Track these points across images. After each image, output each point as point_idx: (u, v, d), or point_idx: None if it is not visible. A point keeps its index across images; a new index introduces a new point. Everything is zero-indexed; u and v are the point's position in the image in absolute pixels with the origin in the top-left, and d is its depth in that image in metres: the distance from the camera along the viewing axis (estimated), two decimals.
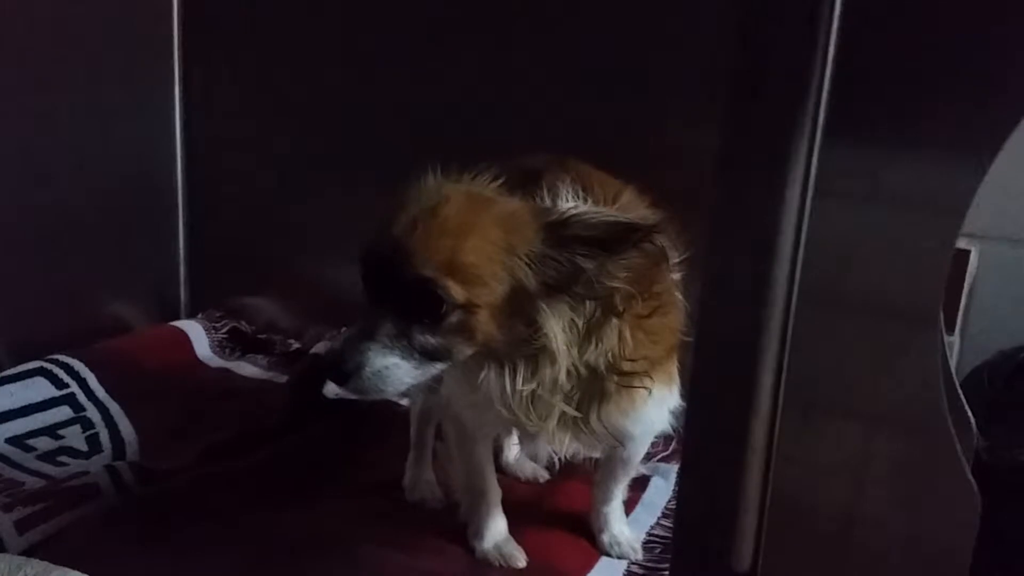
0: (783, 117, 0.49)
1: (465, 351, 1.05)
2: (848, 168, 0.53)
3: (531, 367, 1.05)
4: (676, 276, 1.13)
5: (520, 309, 1.03)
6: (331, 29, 1.90)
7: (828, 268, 0.53)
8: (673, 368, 1.17)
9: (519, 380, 1.06)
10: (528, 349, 1.04)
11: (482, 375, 1.07)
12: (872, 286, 0.54)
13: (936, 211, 0.54)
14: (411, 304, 1.01)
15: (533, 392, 1.06)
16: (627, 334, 1.06)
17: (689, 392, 0.52)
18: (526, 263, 1.02)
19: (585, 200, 1.09)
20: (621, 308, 1.04)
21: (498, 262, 1.01)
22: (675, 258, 1.11)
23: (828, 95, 0.50)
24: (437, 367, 1.05)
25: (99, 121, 1.89)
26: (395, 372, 1.02)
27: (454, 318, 1.01)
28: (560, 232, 1.02)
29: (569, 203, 1.08)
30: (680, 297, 1.14)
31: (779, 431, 0.49)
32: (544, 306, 1.03)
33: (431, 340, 1.02)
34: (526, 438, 1.25)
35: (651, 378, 1.09)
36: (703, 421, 0.51)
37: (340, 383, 1.03)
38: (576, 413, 1.09)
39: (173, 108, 2.04)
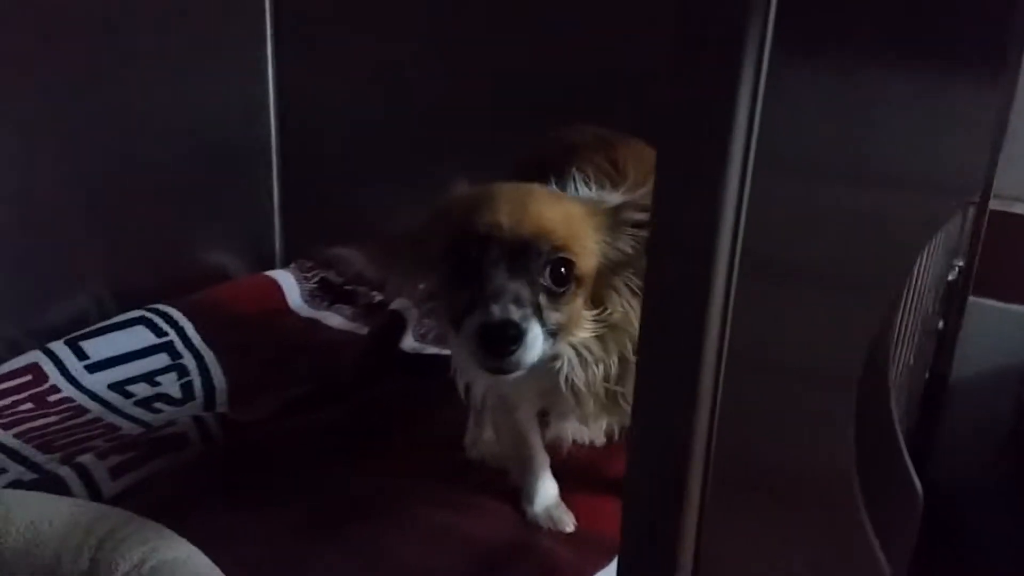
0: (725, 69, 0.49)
1: (570, 331, 1.11)
2: (793, 128, 0.53)
3: (601, 345, 1.12)
4: None
5: (595, 288, 1.11)
6: None
7: (773, 235, 0.54)
8: None
9: (593, 359, 1.12)
10: (598, 328, 1.12)
11: (559, 362, 1.13)
12: (820, 252, 0.56)
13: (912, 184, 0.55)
14: (538, 279, 1.07)
15: (606, 372, 1.13)
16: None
17: (639, 351, 0.56)
18: (602, 243, 1.10)
19: (614, 182, 1.17)
20: None
21: (591, 240, 1.10)
22: None
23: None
24: (549, 346, 1.10)
25: (192, 73, 1.96)
26: (538, 344, 1.06)
27: (572, 292, 1.08)
28: (617, 217, 1.11)
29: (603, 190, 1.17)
30: None
31: (725, 387, 0.52)
32: (615, 282, 1.11)
33: (554, 315, 1.08)
34: (556, 419, 1.29)
35: None
36: (652, 377, 0.54)
37: (507, 352, 1.04)
38: (620, 388, 1.15)
39: (266, 59, 2.10)
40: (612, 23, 1.72)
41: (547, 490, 1.36)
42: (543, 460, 1.36)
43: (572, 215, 1.10)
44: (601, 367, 1.13)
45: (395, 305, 1.89)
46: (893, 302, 0.60)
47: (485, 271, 1.06)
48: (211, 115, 2.03)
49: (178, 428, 1.50)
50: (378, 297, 2.03)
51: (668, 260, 0.54)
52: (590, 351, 1.13)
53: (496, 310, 1.03)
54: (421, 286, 1.24)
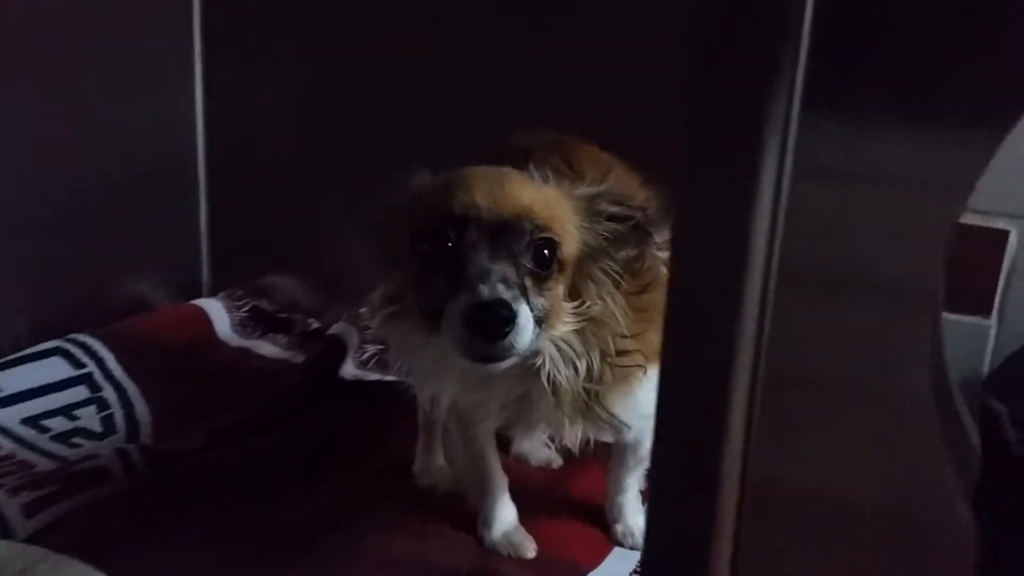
0: (756, 82, 0.45)
1: (551, 323, 1.03)
2: (830, 137, 0.48)
3: (581, 340, 1.06)
4: (663, 254, 1.11)
5: (573, 278, 1.05)
6: (359, 7, 1.86)
7: (808, 243, 0.49)
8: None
9: (574, 354, 1.05)
10: (578, 321, 1.05)
11: (539, 359, 1.05)
12: (855, 263, 0.50)
13: (934, 185, 0.50)
14: (522, 261, 1.00)
15: (588, 369, 1.06)
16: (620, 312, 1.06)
17: (661, 370, 0.49)
18: (581, 228, 1.05)
19: (572, 182, 1.10)
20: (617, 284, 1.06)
21: (571, 224, 1.04)
22: (663, 236, 1.09)
23: (807, 60, 0.45)
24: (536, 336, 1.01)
25: (118, 99, 1.86)
26: (529, 328, 0.98)
27: (555, 277, 1.02)
28: (592, 205, 1.06)
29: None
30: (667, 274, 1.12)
31: (759, 410, 0.45)
32: (593, 271, 1.05)
33: (540, 300, 1.01)
34: (521, 431, 1.22)
35: (645, 356, 1.08)
36: (675, 403, 0.48)
37: (499, 335, 0.96)
38: (600, 387, 1.08)
39: (194, 86, 2.01)
40: (550, 33, 1.69)
41: (505, 514, 1.28)
42: (501, 481, 1.28)
43: (550, 197, 1.05)
44: (583, 363, 1.06)
45: (334, 330, 1.79)
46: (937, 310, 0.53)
47: (465, 254, 0.99)
48: (134, 135, 1.92)
49: (99, 461, 1.38)
50: (315, 324, 1.94)
51: (696, 271, 0.48)
52: (571, 347, 1.06)
53: (484, 290, 0.96)
54: (379, 290, 1.15)
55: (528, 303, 0.99)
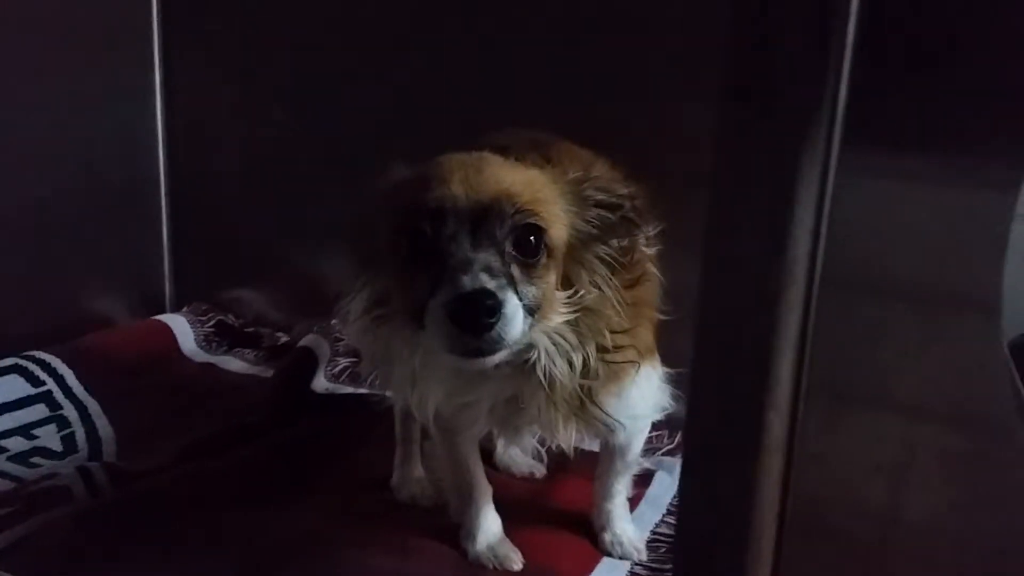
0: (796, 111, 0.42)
1: (544, 314, 0.98)
2: (877, 145, 0.45)
3: (576, 333, 1.00)
4: (650, 250, 1.08)
5: (565, 265, 1.00)
6: (316, 12, 1.82)
7: (856, 250, 0.45)
8: (652, 342, 1.11)
9: (570, 347, 0.99)
10: (572, 312, 1.00)
11: (533, 354, 0.99)
12: (910, 270, 0.47)
13: (987, 188, 0.46)
14: (506, 249, 0.94)
15: (584, 363, 1.00)
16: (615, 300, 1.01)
17: (691, 382, 0.44)
18: (570, 212, 1.00)
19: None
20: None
21: (558, 207, 0.99)
22: (649, 231, 1.06)
23: (847, 92, 0.42)
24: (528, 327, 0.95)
25: (76, 112, 1.81)
26: (519, 318, 0.92)
27: (544, 264, 0.96)
28: (581, 190, 1.01)
29: None
30: (655, 271, 1.09)
31: (802, 427, 0.41)
32: (585, 257, 1.00)
33: (530, 290, 0.95)
34: (509, 435, 1.17)
35: (638, 351, 1.04)
36: (708, 417, 0.44)
37: (485, 327, 0.89)
38: (596, 383, 1.03)
39: (154, 98, 1.96)
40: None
41: (489, 525, 1.23)
42: (485, 491, 1.23)
43: (534, 180, 0.99)
44: (579, 356, 1.00)
45: (304, 343, 1.74)
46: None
47: (445, 247, 0.93)
48: (94, 149, 1.86)
49: (59, 481, 1.32)
50: (283, 338, 1.89)
51: (729, 277, 0.44)
52: (566, 339, 0.99)
53: (466, 280, 0.90)
54: (349, 298, 1.09)
55: (516, 292, 0.93)
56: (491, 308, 0.89)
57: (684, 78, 1.42)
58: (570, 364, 0.99)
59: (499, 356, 0.94)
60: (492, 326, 0.89)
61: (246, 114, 1.94)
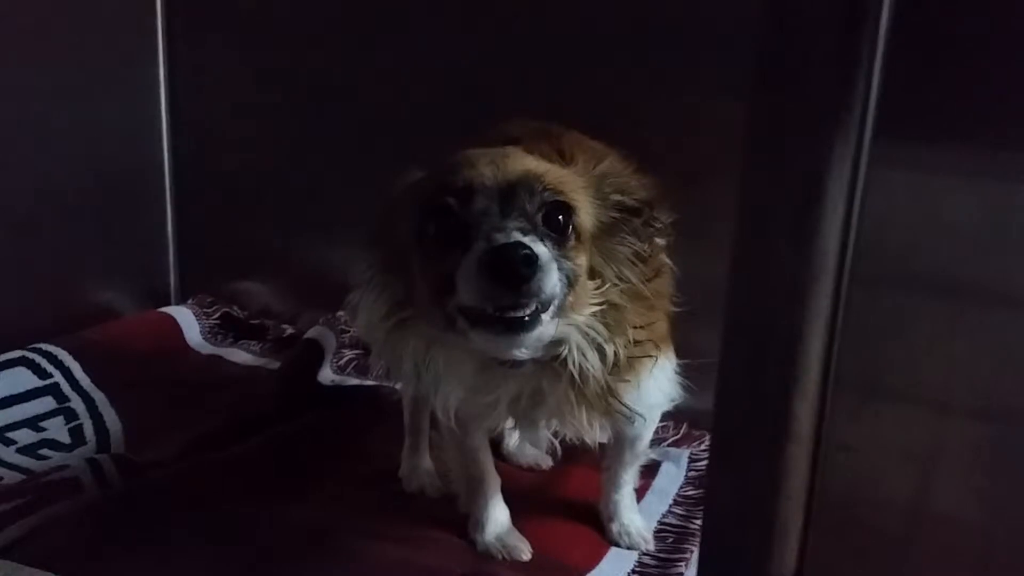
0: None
1: (576, 306, 0.96)
2: (908, 137, 0.45)
3: (606, 326, 0.99)
4: (663, 241, 1.07)
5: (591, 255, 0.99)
6: (320, 6, 1.82)
7: (886, 242, 0.45)
8: (667, 334, 1.11)
9: (602, 340, 0.98)
10: (600, 304, 0.98)
11: (563, 349, 0.98)
12: (939, 261, 0.47)
13: (1019, 181, 0.46)
14: (537, 223, 0.93)
15: (615, 357, 0.99)
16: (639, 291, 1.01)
17: (720, 372, 0.45)
18: (595, 203, 0.99)
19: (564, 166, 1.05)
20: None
21: (584, 196, 0.98)
22: (664, 223, 1.05)
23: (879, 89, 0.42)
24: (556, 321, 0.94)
25: (82, 104, 1.81)
26: (554, 275, 0.89)
27: (573, 244, 0.95)
28: (603, 186, 1.01)
29: None
30: (669, 262, 1.09)
31: (830, 417, 0.41)
32: (609, 247, 0.99)
33: (566, 263, 0.93)
34: (527, 427, 1.17)
35: (656, 345, 1.04)
36: (737, 407, 0.44)
37: (523, 278, 0.86)
38: (626, 379, 1.03)
39: (159, 89, 1.96)
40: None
41: (498, 516, 1.24)
42: (494, 482, 1.24)
43: (559, 170, 0.99)
44: (610, 348, 0.98)
45: (311, 335, 1.74)
46: None
47: (475, 221, 0.91)
48: (99, 140, 1.86)
49: (69, 472, 1.32)
50: (289, 330, 1.89)
51: (759, 268, 0.44)
52: (597, 332, 0.98)
53: (500, 236, 0.88)
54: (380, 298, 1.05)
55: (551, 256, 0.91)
56: (527, 257, 0.86)
57: (699, 69, 1.43)
58: (602, 358, 0.98)
59: (534, 334, 0.91)
60: (529, 278, 0.86)
61: (251, 105, 1.93)
